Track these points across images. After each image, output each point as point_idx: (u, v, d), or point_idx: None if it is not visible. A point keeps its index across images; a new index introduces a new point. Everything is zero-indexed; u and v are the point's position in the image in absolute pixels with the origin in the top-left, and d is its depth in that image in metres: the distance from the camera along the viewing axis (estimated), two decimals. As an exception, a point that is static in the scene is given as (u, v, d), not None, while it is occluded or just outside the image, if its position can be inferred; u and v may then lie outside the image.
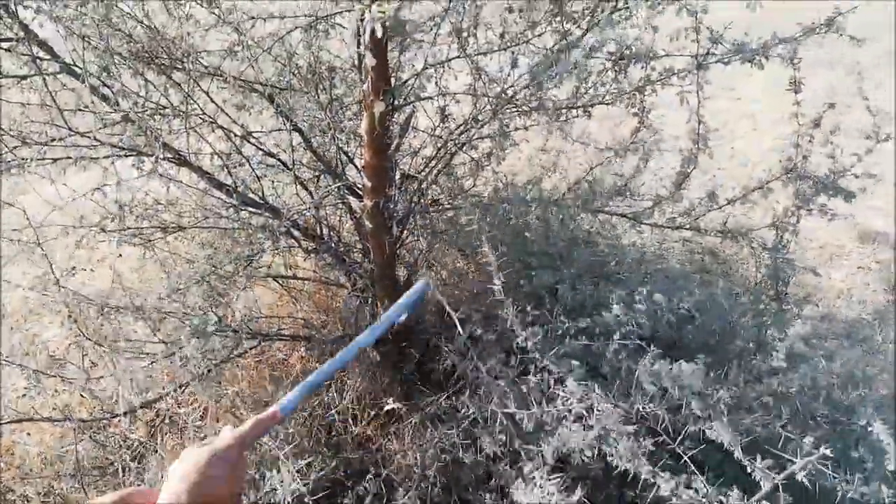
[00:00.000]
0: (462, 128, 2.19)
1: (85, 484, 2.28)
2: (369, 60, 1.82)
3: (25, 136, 1.88)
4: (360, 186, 2.29)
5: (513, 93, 2.00)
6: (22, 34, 1.93)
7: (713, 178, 4.60)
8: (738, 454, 1.46)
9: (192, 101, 2.12)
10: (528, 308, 1.89)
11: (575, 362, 1.78)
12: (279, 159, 2.35)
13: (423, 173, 2.31)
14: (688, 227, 2.17)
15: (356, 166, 2.41)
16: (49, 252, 3.06)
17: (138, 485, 2.40)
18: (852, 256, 4.03)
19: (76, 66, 2.01)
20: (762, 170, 4.66)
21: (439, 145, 2.28)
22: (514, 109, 1.99)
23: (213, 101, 2.29)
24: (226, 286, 2.24)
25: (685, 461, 1.84)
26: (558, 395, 1.82)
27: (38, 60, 1.95)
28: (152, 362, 2.02)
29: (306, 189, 2.40)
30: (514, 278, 2.61)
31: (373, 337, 1.53)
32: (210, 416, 2.53)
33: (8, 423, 2.03)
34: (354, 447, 2.36)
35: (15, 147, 1.90)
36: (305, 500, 2.09)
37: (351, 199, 2.42)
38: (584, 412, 1.86)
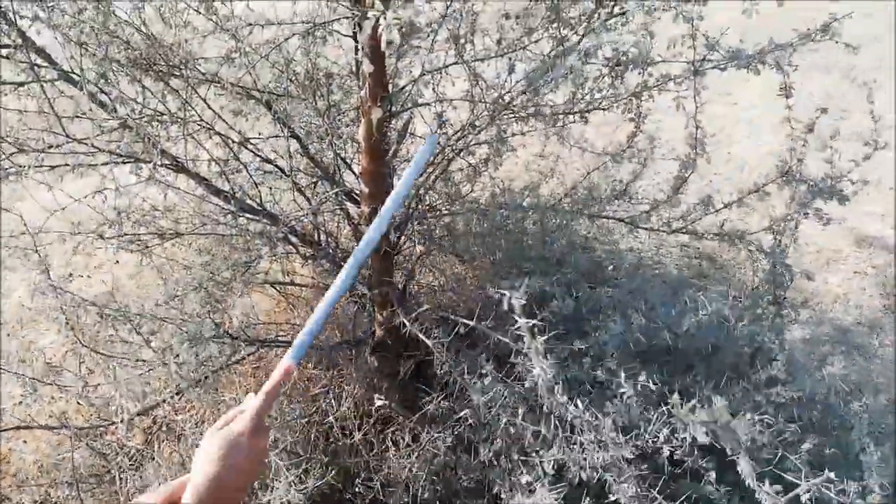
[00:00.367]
0: (459, 134, 2.19)
1: (81, 492, 2.27)
2: (367, 67, 1.83)
3: (23, 143, 1.87)
4: (357, 192, 2.29)
5: (510, 99, 2.00)
6: (20, 41, 1.93)
7: (710, 183, 4.61)
8: (752, 484, 1.45)
9: (189, 108, 2.12)
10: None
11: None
12: (277, 165, 2.35)
13: (421, 179, 2.31)
14: (685, 231, 2.17)
15: (354, 172, 2.42)
16: (46, 258, 3.05)
17: (135, 492, 2.40)
18: (849, 261, 4.04)
19: (74, 73, 2.01)
20: (759, 174, 4.68)
21: (437, 151, 2.28)
22: (512, 115, 2.00)
23: (210, 107, 2.29)
24: (223, 293, 2.24)
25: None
26: (563, 410, 1.81)
27: (35, 67, 1.95)
28: (149, 369, 2.01)
29: (304, 195, 2.40)
30: (510, 284, 2.61)
31: (384, 222, 1.46)
32: (208, 422, 2.52)
33: (4, 430, 2.02)
34: (352, 453, 2.36)
35: (12, 154, 1.90)
36: (302, 507, 2.08)
37: (349, 205, 2.42)
38: (586, 432, 1.86)
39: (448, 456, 2.24)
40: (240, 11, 2.17)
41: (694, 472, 1.89)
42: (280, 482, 2.09)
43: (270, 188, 2.37)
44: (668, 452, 1.83)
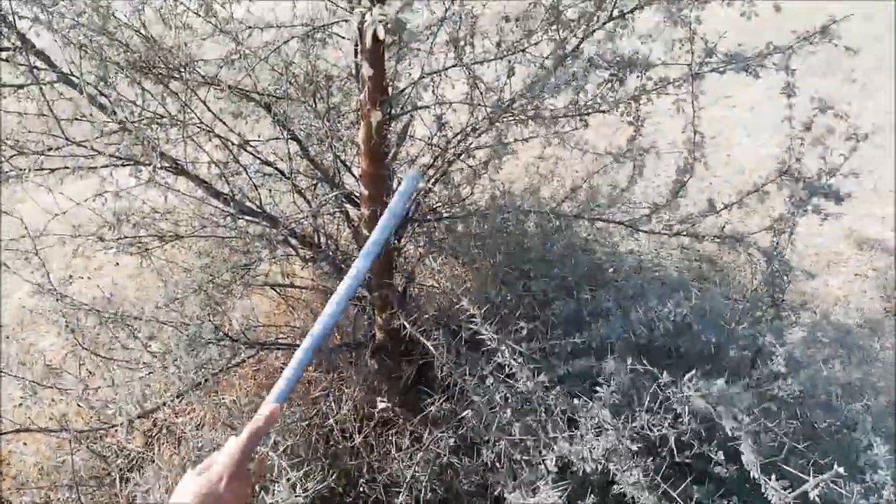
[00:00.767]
0: (459, 137, 2.19)
1: (81, 494, 2.27)
2: (366, 70, 1.83)
3: (22, 146, 1.87)
4: (357, 195, 2.29)
5: (510, 102, 2.00)
6: (19, 43, 1.94)
7: (710, 185, 4.61)
8: (755, 474, 1.45)
9: (189, 111, 2.13)
10: (523, 323, 1.89)
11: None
12: (276, 168, 2.36)
13: (421, 182, 2.31)
14: (685, 233, 2.17)
15: (353, 175, 2.42)
16: (46, 261, 3.05)
17: (135, 495, 2.40)
18: (849, 263, 4.04)
19: (73, 75, 2.01)
20: (758, 176, 4.68)
21: (436, 154, 2.29)
22: (511, 118, 2.00)
23: (210, 110, 2.29)
24: (223, 295, 2.24)
25: (686, 471, 1.85)
26: (558, 407, 1.81)
27: (35, 70, 1.95)
28: (149, 373, 2.01)
29: (304, 197, 2.41)
30: (511, 286, 2.61)
31: (368, 261, 1.47)
32: (208, 425, 2.52)
33: (4, 433, 2.02)
34: (353, 456, 2.36)
35: (12, 156, 1.90)
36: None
37: (348, 207, 2.42)
38: (587, 427, 1.86)
39: (450, 458, 2.24)
40: (240, 14, 2.17)
41: (700, 462, 1.89)
42: (281, 484, 2.09)
43: (270, 190, 2.37)
44: (673, 439, 1.83)
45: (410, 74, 2.18)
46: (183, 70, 2.05)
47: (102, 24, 1.92)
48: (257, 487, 2.14)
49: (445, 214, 2.47)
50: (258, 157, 2.39)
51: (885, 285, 3.82)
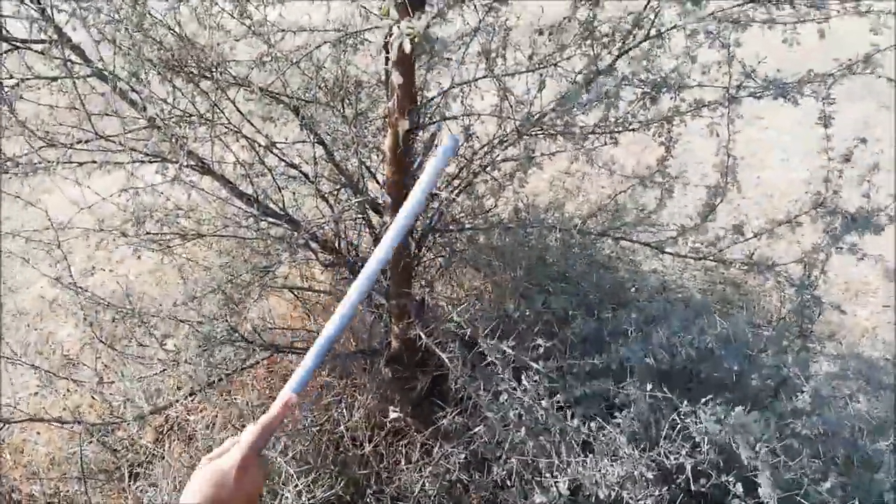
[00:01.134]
0: (486, 148, 2.17)
1: (91, 487, 2.28)
2: (396, 78, 1.82)
3: (52, 138, 1.89)
4: (381, 202, 2.28)
5: (539, 115, 1.98)
6: (55, 36, 1.95)
7: (738, 207, 4.54)
8: None
9: (218, 110, 2.13)
10: (541, 340, 1.86)
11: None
12: (301, 171, 2.35)
13: (445, 192, 2.29)
14: (712, 258, 2.12)
15: (377, 181, 2.40)
16: (70, 252, 3.08)
17: (141, 491, 2.40)
18: (878, 294, 3.94)
19: (106, 70, 2.02)
20: (788, 201, 4.59)
21: (462, 165, 2.26)
22: (540, 132, 1.97)
23: (239, 111, 2.29)
24: (241, 296, 2.24)
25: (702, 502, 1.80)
26: (576, 429, 1.78)
27: (69, 63, 1.97)
28: (163, 369, 2.01)
29: (327, 202, 2.40)
30: (531, 302, 2.58)
31: (399, 234, 1.42)
32: (219, 424, 2.52)
33: (16, 422, 2.03)
34: (362, 464, 2.33)
35: (41, 147, 1.91)
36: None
37: (371, 214, 2.41)
38: (603, 452, 1.82)
39: (461, 473, 2.21)
40: (273, 17, 2.18)
41: (717, 493, 1.85)
42: (289, 490, 2.08)
43: (294, 193, 2.36)
44: (690, 468, 1.79)
45: (440, 84, 2.17)
46: (214, 70, 2.05)
47: (138, 21, 1.93)
48: (264, 491, 2.13)
49: (468, 225, 2.45)
50: (283, 160, 2.39)
51: (915, 318, 3.72)
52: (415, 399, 2.48)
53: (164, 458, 2.38)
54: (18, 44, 2.02)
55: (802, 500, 1.76)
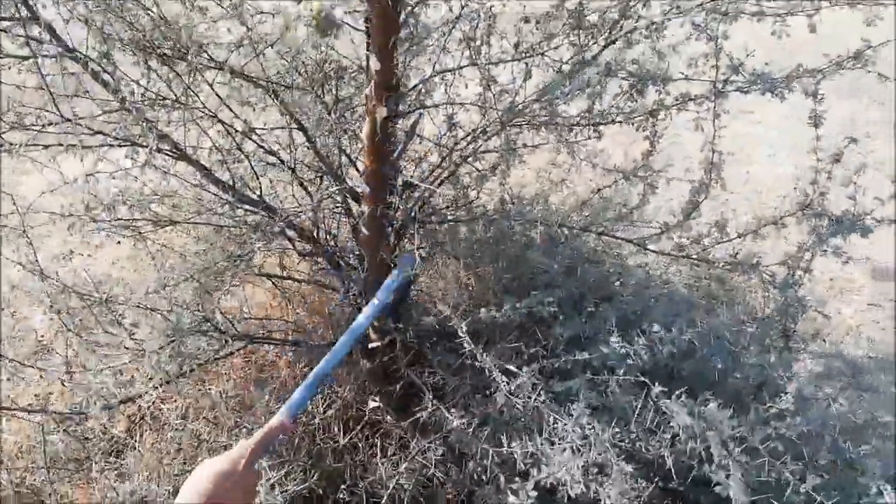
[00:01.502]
0: (468, 138, 2.12)
1: (59, 477, 2.23)
2: (373, 63, 1.76)
3: (17, 121, 1.82)
4: (360, 191, 2.23)
5: (523, 106, 1.92)
6: (27, 14, 1.88)
7: (726, 202, 4.51)
8: None
9: (192, 94, 2.06)
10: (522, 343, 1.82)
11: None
12: (279, 158, 2.29)
13: (426, 182, 2.24)
14: (695, 256, 2.09)
15: (358, 170, 2.35)
16: (46, 236, 3.01)
17: (115, 482, 2.36)
18: (864, 292, 3.93)
19: (76, 50, 1.95)
20: (776, 196, 4.56)
21: (444, 154, 2.21)
22: (524, 123, 1.92)
23: (217, 94, 2.23)
24: (216, 284, 2.18)
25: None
26: (552, 423, 1.74)
27: (38, 42, 1.90)
28: (130, 360, 1.96)
29: (305, 190, 2.34)
30: (511, 295, 2.54)
31: (367, 322, 1.58)
32: (193, 414, 2.47)
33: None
34: (337, 457, 2.30)
35: (5, 131, 1.85)
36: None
37: (352, 203, 2.36)
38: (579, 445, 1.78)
39: (437, 468, 2.18)
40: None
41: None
42: (261, 484, 2.03)
43: (271, 180, 2.30)
44: (671, 459, 1.76)
45: (422, 71, 2.11)
46: (188, 52, 1.98)
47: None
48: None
49: (450, 217, 2.40)
50: (261, 146, 2.33)
51: (900, 317, 3.72)
52: (394, 391, 2.44)
53: (135, 447, 2.34)
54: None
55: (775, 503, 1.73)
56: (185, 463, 2.26)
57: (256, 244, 2.06)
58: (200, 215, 2.16)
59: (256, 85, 2.22)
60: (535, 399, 1.78)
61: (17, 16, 1.85)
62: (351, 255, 2.41)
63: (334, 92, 2.30)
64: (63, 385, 2.46)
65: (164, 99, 2.09)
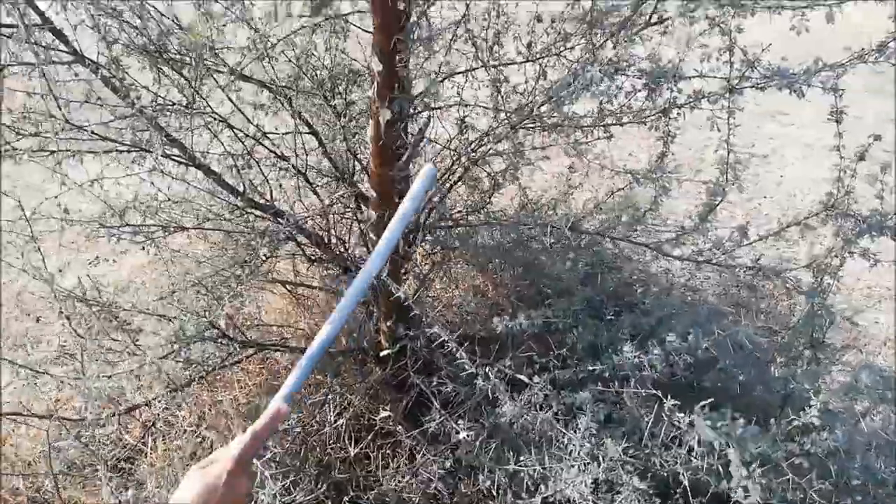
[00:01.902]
0: (478, 142, 2.07)
1: (70, 483, 2.24)
2: (375, 65, 1.72)
3: (20, 128, 1.83)
4: (367, 194, 2.19)
5: (534, 107, 1.86)
6: (38, 20, 1.90)
7: (758, 206, 4.37)
8: None
9: (201, 98, 2.06)
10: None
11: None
12: (291, 164, 2.27)
13: (437, 186, 2.19)
14: (715, 262, 2.00)
15: (369, 175, 2.31)
16: (71, 243, 3.04)
17: (125, 488, 2.36)
18: (904, 301, 3.75)
19: (87, 57, 1.96)
20: (812, 201, 4.39)
21: (454, 158, 2.16)
22: (533, 126, 1.86)
23: (230, 99, 2.22)
24: (224, 290, 2.17)
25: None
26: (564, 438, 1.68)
27: (47, 49, 1.91)
28: (140, 365, 1.95)
29: (316, 194, 2.32)
30: (529, 304, 2.48)
31: (381, 260, 1.39)
32: (206, 422, 2.46)
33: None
34: (347, 467, 2.25)
35: (19, 138, 1.86)
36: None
37: (364, 207, 2.33)
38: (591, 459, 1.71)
39: (444, 481, 2.12)
40: (261, 3, 2.10)
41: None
42: (265, 493, 2.01)
43: (281, 185, 2.28)
44: (687, 477, 1.67)
45: (436, 72, 2.07)
46: (194, 56, 1.97)
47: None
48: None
49: (463, 222, 2.35)
50: (273, 152, 2.31)
51: (941, 327, 3.53)
52: (404, 399, 2.39)
53: (147, 454, 2.33)
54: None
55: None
56: (195, 470, 2.25)
57: (261, 249, 2.04)
58: (209, 221, 2.15)
59: (267, 89, 2.21)
60: (545, 412, 1.72)
61: (25, 22, 1.87)
62: (361, 261, 2.38)
63: (344, 96, 2.28)
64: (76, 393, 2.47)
65: (174, 104, 2.09)
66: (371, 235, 2.07)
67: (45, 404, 2.57)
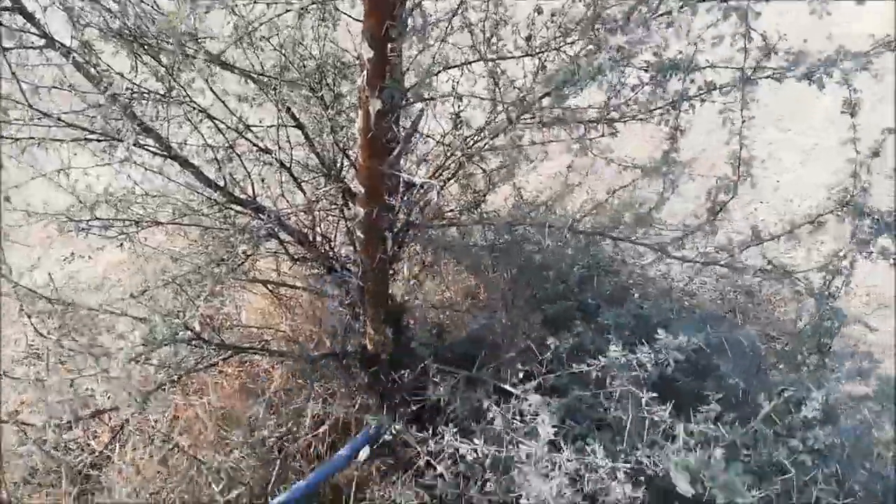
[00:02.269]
0: (474, 137, 1.96)
1: (34, 490, 2.11)
2: (365, 51, 1.61)
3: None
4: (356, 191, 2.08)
5: (532, 101, 1.76)
6: (9, 3, 1.78)
7: (754, 212, 4.29)
8: None
9: (179, 86, 1.94)
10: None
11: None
12: (275, 157, 2.15)
13: (428, 183, 2.08)
14: (723, 263, 1.90)
15: (357, 170, 2.20)
16: (48, 238, 2.90)
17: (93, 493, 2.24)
18: (903, 307, 3.67)
19: (58, 41, 1.84)
20: (809, 206, 4.32)
21: (448, 153, 2.05)
22: (533, 119, 1.75)
23: (211, 89, 2.10)
24: (203, 289, 2.04)
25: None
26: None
27: (17, 32, 1.79)
28: (104, 369, 1.82)
29: (301, 190, 2.20)
30: (523, 309, 2.37)
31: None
32: (180, 427, 2.34)
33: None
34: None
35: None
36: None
37: (351, 204, 2.21)
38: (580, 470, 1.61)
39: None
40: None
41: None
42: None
43: (264, 180, 2.16)
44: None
45: (431, 63, 1.96)
46: (172, 41, 1.85)
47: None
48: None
49: (453, 221, 2.24)
50: (256, 145, 2.19)
51: (944, 334, 3.45)
52: (391, 406, 2.27)
53: (116, 460, 2.21)
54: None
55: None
56: (167, 479, 2.13)
57: (240, 247, 1.92)
58: (187, 216, 2.02)
59: (251, 79, 2.10)
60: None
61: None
62: (348, 261, 2.26)
63: (332, 87, 2.17)
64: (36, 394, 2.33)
65: (151, 93, 1.97)
66: (358, 233, 1.95)
67: (11, 407, 2.43)
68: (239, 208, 2.04)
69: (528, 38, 1.94)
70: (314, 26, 2.05)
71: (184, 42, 1.87)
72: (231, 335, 2.37)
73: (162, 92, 1.95)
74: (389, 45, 1.62)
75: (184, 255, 2.26)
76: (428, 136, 2.02)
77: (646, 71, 1.66)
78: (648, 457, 1.64)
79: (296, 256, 2.18)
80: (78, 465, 2.23)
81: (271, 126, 2.25)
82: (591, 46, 1.68)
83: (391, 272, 2.18)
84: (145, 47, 1.88)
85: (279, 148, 2.13)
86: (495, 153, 1.89)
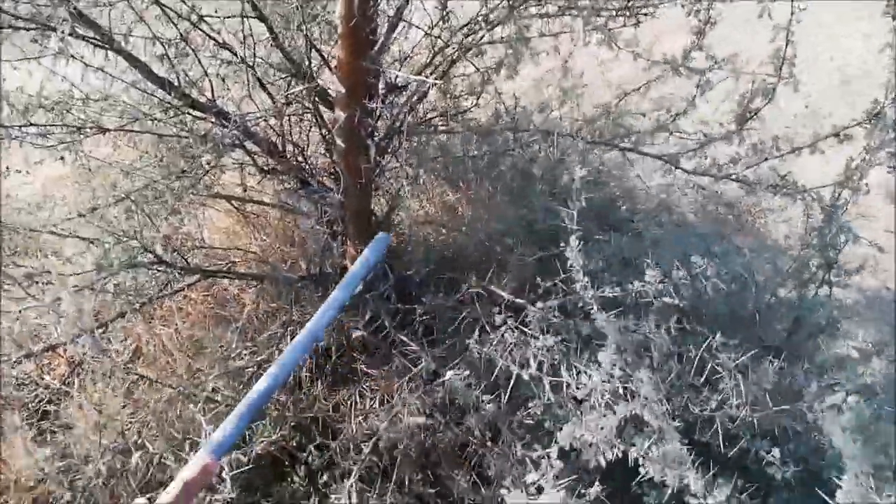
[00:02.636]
0: (468, 28, 1.71)
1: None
2: (348, -83, 1.34)
3: None
4: (332, 92, 1.83)
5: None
6: None
7: (801, 93, 4.07)
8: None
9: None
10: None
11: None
12: (235, 53, 1.86)
13: (414, 84, 1.83)
14: (735, 178, 1.75)
15: (332, 70, 1.93)
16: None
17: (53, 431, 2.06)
18: (880, 218, 3.63)
19: None
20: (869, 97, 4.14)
21: (436, 49, 1.81)
22: (537, 5, 1.52)
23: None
24: (161, 207, 1.81)
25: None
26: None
27: None
28: (57, 299, 1.60)
29: (268, 93, 1.93)
30: (516, 224, 2.21)
31: (328, 320, 1.37)
32: (144, 358, 2.15)
33: None
34: (309, 407, 2.00)
35: None
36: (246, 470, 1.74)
37: (322, 108, 1.96)
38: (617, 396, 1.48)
39: (429, 418, 1.89)
40: None
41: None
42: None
43: (224, 80, 1.88)
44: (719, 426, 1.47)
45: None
46: None
47: None
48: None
49: (442, 127, 2.02)
50: (213, 38, 1.89)
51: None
52: (375, 330, 2.11)
53: (74, 395, 2.02)
54: None
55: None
56: (133, 413, 1.95)
57: (204, 157, 1.67)
58: (137, 122, 1.75)
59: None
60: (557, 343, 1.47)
61: None
62: (324, 173, 2.04)
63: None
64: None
65: (85, -28, 1.65)
66: (338, 141, 1.72)
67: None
68: (198, 113, 1.77)
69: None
70: None
71: None
72: (194, 257, 2.15)
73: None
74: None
75: (136, 168, 1.99)
76: (414, 27, 1.76)
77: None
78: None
79: (264, 168, 1.93)
80: (34, 401, 2.04)
81: (229, 17, 1.95)
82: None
83: (374, 188, 1.97)
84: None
85: (242, 43, 1.84)
86: (494, 46, 1.65)
